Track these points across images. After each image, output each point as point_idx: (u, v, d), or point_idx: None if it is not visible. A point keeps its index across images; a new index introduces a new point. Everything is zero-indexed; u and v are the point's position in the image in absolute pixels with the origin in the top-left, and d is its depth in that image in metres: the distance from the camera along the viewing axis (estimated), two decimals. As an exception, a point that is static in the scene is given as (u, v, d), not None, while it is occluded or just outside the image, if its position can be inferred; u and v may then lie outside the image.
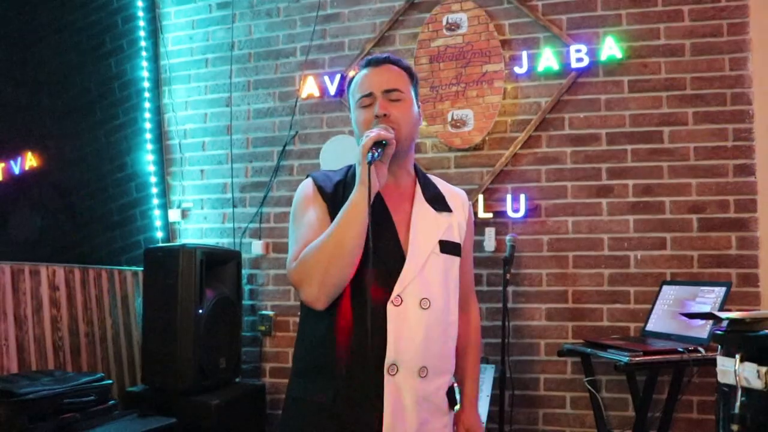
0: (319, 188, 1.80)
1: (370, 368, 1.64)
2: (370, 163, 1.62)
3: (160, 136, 4.40)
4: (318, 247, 1.65)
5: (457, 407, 1.90)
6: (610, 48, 3.61)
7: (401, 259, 1.72)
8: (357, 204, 1.64)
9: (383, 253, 1.70)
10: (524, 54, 3.75)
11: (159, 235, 4.29)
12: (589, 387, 3.35)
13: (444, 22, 3.89)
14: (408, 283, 1.70)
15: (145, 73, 4.36)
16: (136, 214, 4.21)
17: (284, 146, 4.13)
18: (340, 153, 3.94)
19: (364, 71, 1.84)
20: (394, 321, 1.67)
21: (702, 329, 2.94)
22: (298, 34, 4.20)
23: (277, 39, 4.24)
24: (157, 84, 4.43)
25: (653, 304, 3.32)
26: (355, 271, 1.67)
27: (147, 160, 4.29)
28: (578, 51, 3.65)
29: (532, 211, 3.68)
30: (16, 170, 3.42)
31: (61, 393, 2.78)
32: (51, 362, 3.31)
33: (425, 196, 1.86)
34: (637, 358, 2.80)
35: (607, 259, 3.59)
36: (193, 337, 3.39)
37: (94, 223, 3.91)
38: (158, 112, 4.42)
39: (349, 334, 1.68)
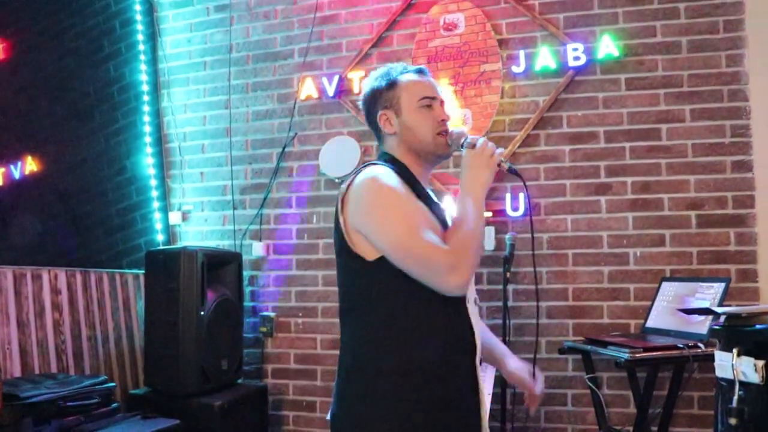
0: (404, 182, 1.81)
1: (468, 363, 1.77)
2: (512, 172, 1.84)
3: (160, 139, 4.42)
4: (473, 235, 1.70)
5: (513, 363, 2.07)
6: (607, 46, 3.63)
7: None
8: (483, 202, 1.77)
9: None
10: (521, 53, 3.77)
11: (160, 237, 4.30)
12: (590, 384, 3.37)
13: (441, 22, 3.90)
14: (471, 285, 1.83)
15: (144, 77, 4.37)
16: (136, 217, 4.22)
17: (284, 148, 4.15)
18: (339, 154, 3.96)
19: (421, 76, 1.93)
20: (473, 319, 1.80)
21: (701, 325, 2.95)
22: (295, 36, 4.21)
23: (275, 41, 4.26)
24: (155, 87, 4.44)
25: (653, 301, 3.34)
26: None
27: (147, 163, 4.30)
28: (575, 49, 3.66)
29: (532, 209, 3.69)
30: (17, 175, 3.44)
31: (64, 396, 2.80)
32: (54, 365, 3.32)
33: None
34: (638, 355, 2.81)
35: (606, 256, 3.60)
36: (195, 339, 3.41)
37: (94, 226, 3.92)
38: (157, 115, 4.43)
39: (451, 331, 1.76)
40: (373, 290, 1.75)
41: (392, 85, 1.91)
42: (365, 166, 1.83)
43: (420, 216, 1.73)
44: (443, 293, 1.69)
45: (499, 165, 1.80)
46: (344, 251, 1.78)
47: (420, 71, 1.94)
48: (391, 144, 1.92)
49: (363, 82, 2.01)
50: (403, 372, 1.72)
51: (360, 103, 2.03)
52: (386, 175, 1.77)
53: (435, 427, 1.70)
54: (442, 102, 1.93)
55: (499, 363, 2.10)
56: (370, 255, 1.73)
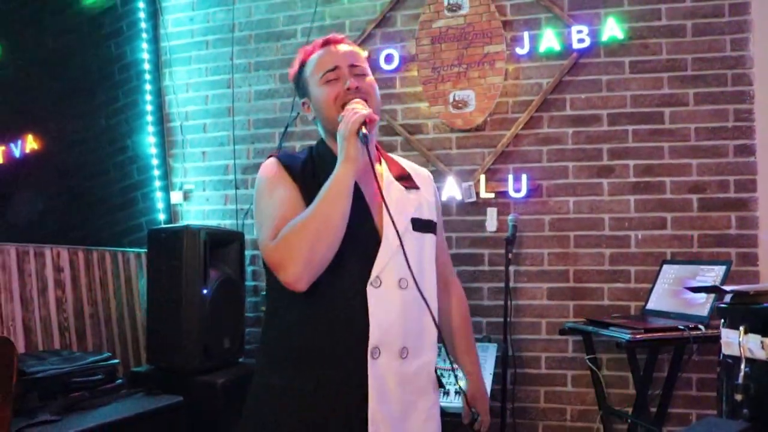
0: (286, 167, 1.74)
1: (353, 353, 1.63)
2: (363, 141, 1.60)
3: (162, 118, 4.41)
4: (302, 224, 1.57)
5: (462, 384, 1.93)
6: (612, 29, 3.62)
7: (377, 239, 1.69)
8: (343, 179, 1.60)
9: (359, 234, 1.66)
10: (526, 35, 3.76)
11: (161, 217, 4.30)
12: (590, 365, 3.40)
13: (445, 3, 3.89)
14: (386, 264, 1.67)
15: (146, 55, 4.35)
16: (138, 197, 4.22)
17: (286, 127, 4.15)
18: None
19: (322, 50, 1.81)
20: (375, 303, 1.64)
21: (702, 307, 2.98)
22: (298, 15, 4.19)
23: (278, 20, 4.24)
24: (157, 66, 4.42)
25: (654, 283, 3.36)
26: None
27: (148, 142, 4.29)
28: (579, 32, 3.65)
29: (534, 191, 3.71)
30: (17, 153, 3.43)
31: (69, 372, 2.81)
32: (57, 343, 3.34)
33: (393, 175, 1.83)
34: (639, 336, 2.84)
35: (607, 238, 3.62)
36: (197, 317, 3.42)
37: (96, 205, 3.92)
38: (159, 94, 4.42)
39: (330, 319, 1.65)
40: (269, 278, 1.72)
41: (300, 71, 1.85)
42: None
43: (274, 209, 1.66)
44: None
45: (356, 133, 1.61)
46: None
47: (325, 42, 1.83)
48: (318, 127, 1.86)
49: None
50: (277, 360, 1.71)
51: None
52: (266, 167, 1.77)
53: (306, 418, 1.64)
54: (352, 67, 1.77)
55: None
56: None
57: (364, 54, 1.93)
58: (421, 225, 1.79)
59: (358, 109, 1.65)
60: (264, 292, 4.08)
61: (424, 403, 1.74)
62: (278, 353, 1.72)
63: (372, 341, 1.62)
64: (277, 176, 1.72)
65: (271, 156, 1.81)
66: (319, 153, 1.80)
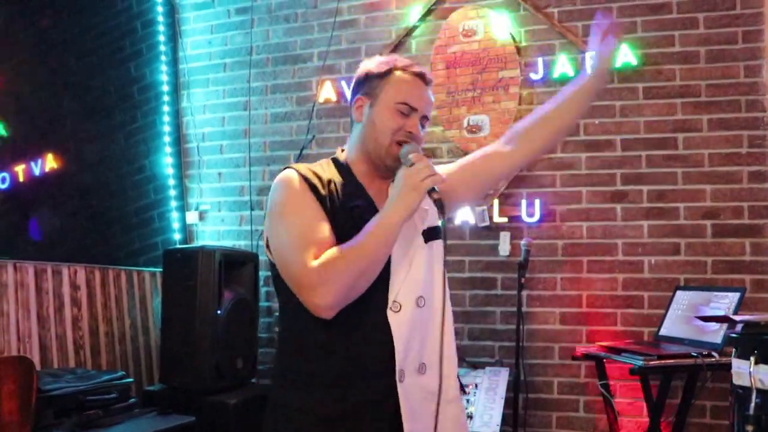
0: (310, 186, 1.67)
1: (382, 378, 1.62)
2: (432, 195, 1.60)
3: (179, 139, 4.47)
4: (353, 258, 1.55)
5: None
6: (626, 55, 3.64)
7: (389, 261, 1.65)
8: (396, 225, 1.58)
9: None
10: (540, 60, 3.79)
11: (177, 236, 4.34)
12: (603, 391, 3.38)
13: (460, 29, 3.93)
14: (401, 286, 1.66)
15: (164, 77, 4.42)
16: (154, 216, 4.27)
17: (302, 150, 4.19)
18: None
19: (414, 80, 1.75)
20: (397, 328, 1.63)
21: (716, 334, 2.96)
22: (315, 39, 4.25)
23: (295, 44, 4.30)
24: (175, 88, 4.49)
25: (667, 309, 3.34)
26: None
27: (165, 162, 4.35)
28: (593, 57, 3.66)
29: (547, 215, 3.71)
30: (37, 171, 3.48)
31: (84, 390, 2.84)
32: (72, 360, 3.37)
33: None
34: (652, 362, 2.82)
35: (621, 264, 3.62)
36: (211, 337, 3.44)
37: (113, 224, 3.97)
38: (177, 115, 4.48)
39: (355, 345, 1.63)
40: (282, 299, 1.70)
41: (384, 74, 1.75)
42: (284, 167, 1.76)
43: (306, 227, 1.61)
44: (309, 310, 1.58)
45: (429, 193, 1.59)
46: (266, 251, 1.73)
47: (420, 75, 1.77)
48: (355, 134, 1.79)
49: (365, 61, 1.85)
50: (301, 384, 1.67)
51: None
52: (288, 179, 1.68)
53: None
54: (423, 119, 1.75)
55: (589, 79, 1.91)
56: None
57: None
58: (430, 234, 1.76)
59: (435, 172, 1.62)
60: (278, 313, 4.10)
61: (452, 411, 1.73)
62: (302, 377, 1.68)
63: (398, 365, 1.62)
64: (302, 193, 1.66)
65: (288, 168, 1.73)
66: (341, 174, 1.74)
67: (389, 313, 1.63)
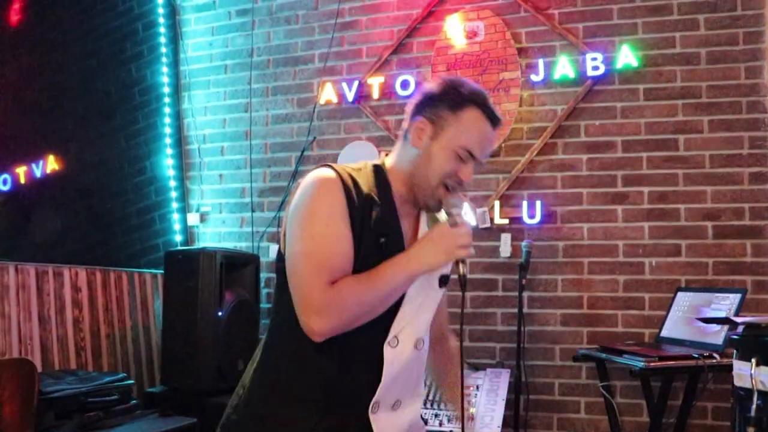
0: (348, 198, 1.56)
1: (356, 405, 1.59)
2: (458, 266, 1.56)
3: (180, 140, 4.47)
4: (363, 294, 1.51)
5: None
6: (626, 56, 3.65)
7: (400, 299, 1.60)
8: (415, 277, 1.55)
9: None
10: (540, 62, 3.79)
11: (178, 238, 4.35)
12: (604, 392, 3.38)
13: (461, 30, 3.93)
14: (405, 324, 1.61)
15: (165, 79, 4.42)
16: (155, 218, 4.27)
17: (302, 151, 4.19)
18: (358, 159, 3.96)
19: (486, 124, 1.61)
20: (389, 363, 1.59)
21: (717, 335, 2.96)
22: (316, 41, 4.26)
23: (296, 46, 4.30)
24: (176, 89, 4.50)
25: (668, 311, 3.34)
26: None
27: (166, 164, 4.35)
28: (594, 59, 3.68)
29: (548, 217, 3.71)
30: (38, 173, 3.49)
31: (85, 392, 2.85)
32: (73, 362, 3.37)
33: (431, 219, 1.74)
34: (653, 364, 2.82)
35: (622, 265, 3.62)
36: (212, 339, 3.45)
37: (114, 225, 3.98)
38: (178, 117, 4.48)
39: (343, 370, 1.59)
40: (285, 304, 1.59)
41: (457, 106, 1.60)
42: (323, 164, 1.63)
43: (330, 247, 1.52)
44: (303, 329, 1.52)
45: (457, 263, 1.55)
46: (280, 246, 1.65)
47: (493, 120, 1.62)
48: (406, 155, 1.65)
49: (432, 79, 1.68)
50: (283, 397, 1.61)
51: (415, 96, 1.70)
52: (328, 183, 1.56)
53: None
54: (478, 162, 1.62)
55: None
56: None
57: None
58: (444, 280, 1.73)
59: (471, 242, 1.57)
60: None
61: None
62: (286, 391, 1.61)
63: (376, 397, 1.59)
64: (337, 205, 1.55)
65: (328, 167, 1.61)
66: (378, 190, 1.62)
67: (386, 347, 1.59)
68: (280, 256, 1.64)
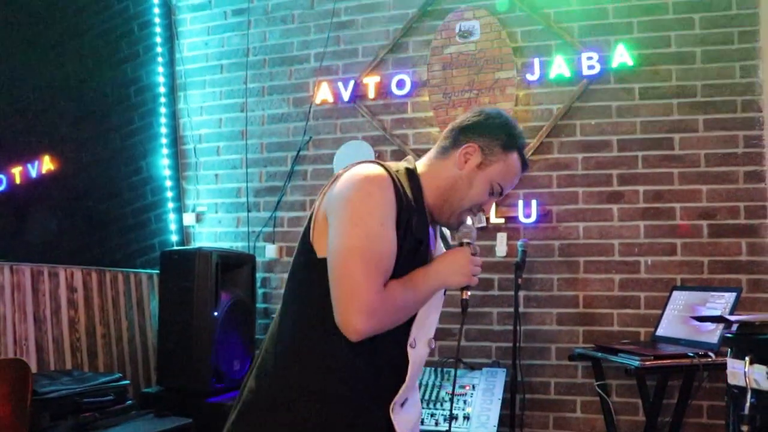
0: (399, 200, 1.58)
1: (380, 404, 1.63)
2: (464, 291, 1.68)
3: (176, 140, 4.46)
4: (404, 302, 1.57)
5: None
6: (621, 55, 3.65)
7: None
8: (434, 292, 1.65)
9: None
10: (536, 61, 3.79)
11: (174, 238, 4.34)
12: (600, 391, 3.38)
13: (457, 30, 3.93)
14: (421, 326, 1.68)
15: (161, 79, 4.42)
16: (151, 218, 4.27)
17: (298, 151, 4.19)
18: (353, 158, 3.98)
19: (518, 170, 1.74)
20: (413, 364, 1.66)
21: (712, 334, 2.97)
22: (312, 40, 4.26)
23: (292, 45, 4.30)
24: (172, 89, 4.49)
25: (663, 310, 3.35)
26: None
27: (162, 164, 4.35)
28: (590, 58, 3.68)
29: (544, 216, 3.72)
30: (34, 173, 3.48)
31: (80, 392, 2.83)
32: (68, 362, 3.37)
33: (440, 234, 1.84)
34: (648, 363, 2.82)
35: (617, 264, 3.62)
36: (208, 339, 3.44)
37: (110, 226, 3.97)
38: (174, 116, 4.48)
39: (376, 370, 1.62)
40: (307, 290, 1.62)
41: (507, 147, 1.70)
42: (370, 161, 1.66)
43: (385, 248, 1.54)
44: (337, 324, 1.52)
45: (462, 290, 1.68)
46: (303, 238, 1.64)
47: (524, 166, 1.75)
48: (441, 169, 1.71)
49: (495, 111, 1.76)
50: (318, 395, 1.59)
51: (473, 113, 1.76)
52: (384, 182, 1.57)
53: None
54: (499, 198, 1.78)
55: None
56: (321, 251, 1.58)
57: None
58: None
59: (479, 267, 1.68)
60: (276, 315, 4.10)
61: None
62: (311, 385, 1.59)
63: (397, 397, 1.64)
64: (391, 206, 1.57)
65: (379, 165, 1.62)
66: (414, 196, 1.64)
67: (408, 348, 1.65)
68: (305, 250, 1.63)
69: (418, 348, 1.67)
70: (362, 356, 1.58)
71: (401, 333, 1.64)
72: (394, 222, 1.56)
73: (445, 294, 1.78)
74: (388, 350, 1.63)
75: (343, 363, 1.58)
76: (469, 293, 1.68)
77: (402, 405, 1.69)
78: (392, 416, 1.63)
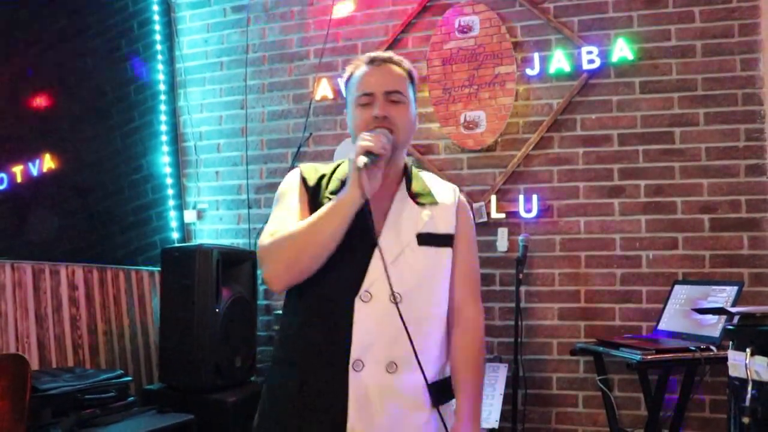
0: (304, 179, 1.81)
1: (335, 363, 1.65)
2: (359, 169, 1.60)
3: (176, 138, 4.46)
4: (295, 232, 1.65)
5: (452, 407, 1.77)
6: (621, 49, 3.64)
7: (372, 254, 1.68)
8: (343, 204, 1.64)
9: (356, 249, 1.68)
10: (536, 56, 3.79)
11: (175, 235, 4.34)
12: (602, 386, 3.38)
13: (456, 25, 3.93)
14: (376, 278, 1.66)
15: (161, 76, 4.42)
16: (152, 215, 4.27)
17: (299, 148, 4.18)
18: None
19: (365, 68, 1.78)
20: (360, 318, 1.65)
21: (714, 328, 2.96)
22: (311, 37, 4.25)
23: (291, 42, 4.29)
24: (172, 87, 4.49)
25: (665, 304, 3.34)
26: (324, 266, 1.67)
27: (163, 161, 4.35)
28: (590, 53, 3.68)
29: (545, 211, 3.71)
30: (35, 172, 3.48)
31: (82, 389, 2.84)
32: (70, 360, 3.37)
33: (409, 192, 1.80)
34: (650, 357, 2.82)
35: (619, 258, 3.62)
36: (209, 336, 3.44)
37: (111, 223, 3.97)
38: (174, 114, 4.48)
39: (317, 327, 1.70)
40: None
41: (347, 80, 1.83)
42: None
43: (281, 212, 1.76)
44: None
45: (367, 164, 1.60)
46: None
47: (370, 60, 1.79)
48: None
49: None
50: (276, 362, 1.83)
51: None
52: (289, 175, 1.86)
53: (290, 417, 1.70)
54: (390, 94, 1.73)
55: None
56: None
57: (414, 70, 1.85)
58: (430, 239, 1.75)
59: (365, 144, 1.63)
60: (276, 311, 4.11)
61: (417, 418, 1.69)
62: (277, 355, 1.85)
63: (354, 354, 1.64)
64: (293, 185, 1.81)
65: (297, 165, 1.89)
66: (342, 170, 1.80)
67: (357, 301, 1.66)
68: None
69: (374, 302, 1.65)
70: (308, 317, 1.72)
71: (350, 286, 1.66)
72: (298, 191, 1.79)
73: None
74: (337, 305, 1.67)
75: (295, 332, 1.76)
76: (365, 160, 1.59)
77: (389, 369, 1.65)
78: (350, 374, 1.64)
